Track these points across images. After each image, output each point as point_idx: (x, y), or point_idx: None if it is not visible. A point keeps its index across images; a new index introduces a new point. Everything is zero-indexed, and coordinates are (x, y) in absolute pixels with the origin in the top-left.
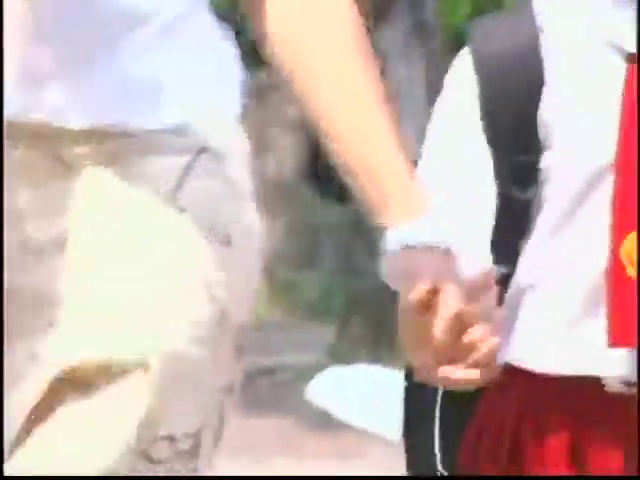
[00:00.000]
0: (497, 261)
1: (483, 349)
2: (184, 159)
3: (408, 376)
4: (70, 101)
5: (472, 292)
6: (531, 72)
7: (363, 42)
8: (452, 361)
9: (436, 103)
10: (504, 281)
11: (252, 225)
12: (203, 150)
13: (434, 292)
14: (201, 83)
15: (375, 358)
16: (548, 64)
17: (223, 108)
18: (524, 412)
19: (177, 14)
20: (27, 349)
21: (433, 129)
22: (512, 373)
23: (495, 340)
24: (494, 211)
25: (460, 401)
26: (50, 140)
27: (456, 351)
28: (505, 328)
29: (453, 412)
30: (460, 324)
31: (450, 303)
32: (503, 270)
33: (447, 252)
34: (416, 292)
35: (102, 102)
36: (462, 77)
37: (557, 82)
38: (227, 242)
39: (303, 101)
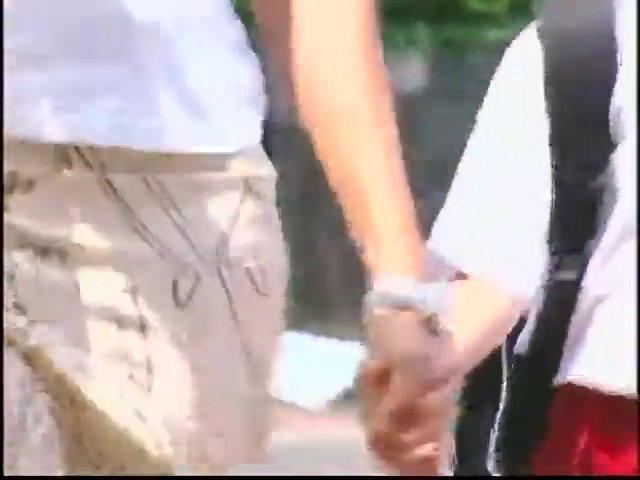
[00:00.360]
0: (564, 265)
1: (417, 455)
2: (231, 200)
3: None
4: (117, 125)
5: (433, 383)
6: (606, 52)
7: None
8: (388, 453)
9: (492, 81)
10: (573, 287)
11: (283, 265)
12: (247, 188)
13: (387, 372)
14: (234, 104)
15: (302, 328)
16: (624, 44)
17: (252, 129)
18: (595, 431)
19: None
20: None
21: (485, 111)
22: (580, 390)
23: (433, 453)
24: (549, 209)
25: (526, 412)
26: (102, 163)
27: (395, 444)
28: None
29: (518, 422)
30: (406, 415)
31: (397, 396)
32: (572, 275)
33: (429, 320)
34: (367, 368)
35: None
36: (526, 54)
37: (632, 65)
38: (264, 292)
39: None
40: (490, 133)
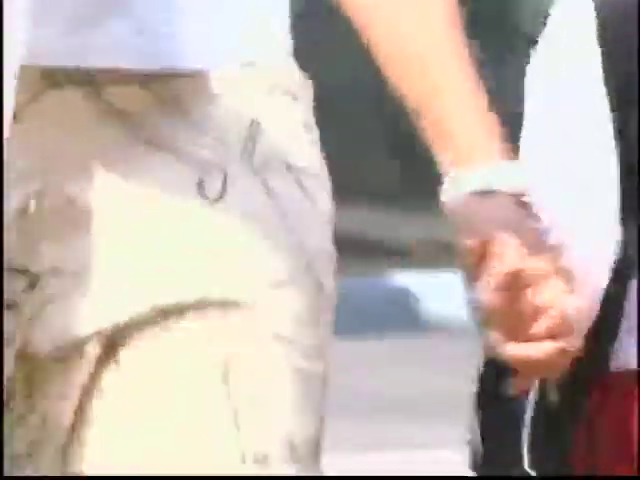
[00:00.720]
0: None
1: (552, 313)
2: (254, 99)
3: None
4: (118, 41)
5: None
6: None
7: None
8: (519, 333)
9: (538, 46)
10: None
11: (324, 172)
12: (275, 87)
13: (487, 247)
14: (253, 13)
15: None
16: None
17: (280, 41)
18: None
19: None
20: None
21: (533, 84)
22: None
23: (570, 299)
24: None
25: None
26: (96, 82)
27: (520, 319)
28: (587, 285)
29: (548, 409)
30: (523, 285)
31: (504, 257)
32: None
33: (521, 202)
34: (464, 249)
35: (152, 40)
36: (578, 14)
37: None
38: (310, 195)
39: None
40: (544, 105)
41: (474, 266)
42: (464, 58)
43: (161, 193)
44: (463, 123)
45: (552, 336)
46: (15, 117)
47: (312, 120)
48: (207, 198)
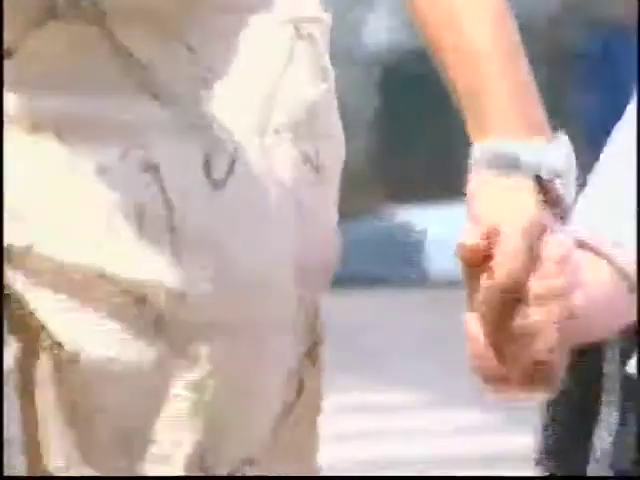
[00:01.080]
0: None
1: (535, 343)
2: (277, 45)
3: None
4: None
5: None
6: None
7: None
8: (502, 352)
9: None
10: None
11: (340, 139)
12: (297, 31)
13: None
14: None
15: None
16: None
17: None
18: None
19: None
20: None
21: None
22: None
23: (553, 337)
24: None
25: None
26: (101, 12)
27: (505, 342)
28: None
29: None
30: (520, 298)
31: (508, 257)
32: None
33: (546, 188)
34: (468, 235)
35: None
36: None
37: None
38: (319, 170)
39: None
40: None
41: (475, 260)
42: (514, 45)
43: (163, 161)
44: (496, 96)
45: (528, 376)
46: (10, 50)
47: (327, 64)
48: (213, 179)
